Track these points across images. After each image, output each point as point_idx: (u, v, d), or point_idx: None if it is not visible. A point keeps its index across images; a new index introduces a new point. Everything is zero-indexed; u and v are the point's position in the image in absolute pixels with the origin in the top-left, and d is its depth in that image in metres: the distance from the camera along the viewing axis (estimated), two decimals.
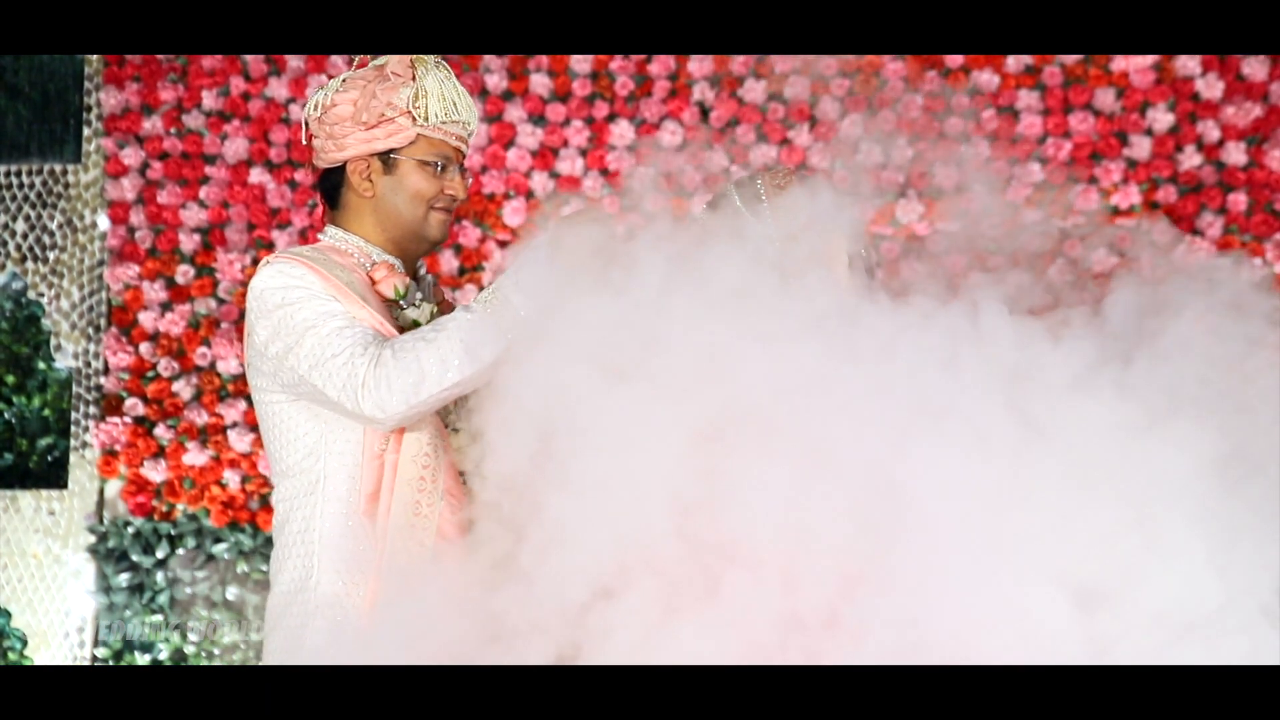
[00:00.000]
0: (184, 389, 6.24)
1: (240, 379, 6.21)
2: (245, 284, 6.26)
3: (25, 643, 6.18)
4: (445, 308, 2.59)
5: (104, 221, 6.42)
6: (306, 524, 2.42)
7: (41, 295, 6.44)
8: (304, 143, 2.59)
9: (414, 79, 2.49)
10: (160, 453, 6.23)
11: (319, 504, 2.42)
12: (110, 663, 6.11)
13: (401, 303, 2.52)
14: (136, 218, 6.35)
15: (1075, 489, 1.91)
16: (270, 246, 6.24)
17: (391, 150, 2.50)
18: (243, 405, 6.16)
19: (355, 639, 2.31)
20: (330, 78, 2.85)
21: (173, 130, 6.40)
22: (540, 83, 6.27)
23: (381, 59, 2.51)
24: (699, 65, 6.22)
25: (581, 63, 6.27)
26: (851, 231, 2.28)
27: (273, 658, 2.43)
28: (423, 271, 2.64)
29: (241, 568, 6.16)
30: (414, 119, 2.48)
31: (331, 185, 2.56)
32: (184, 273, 6.31)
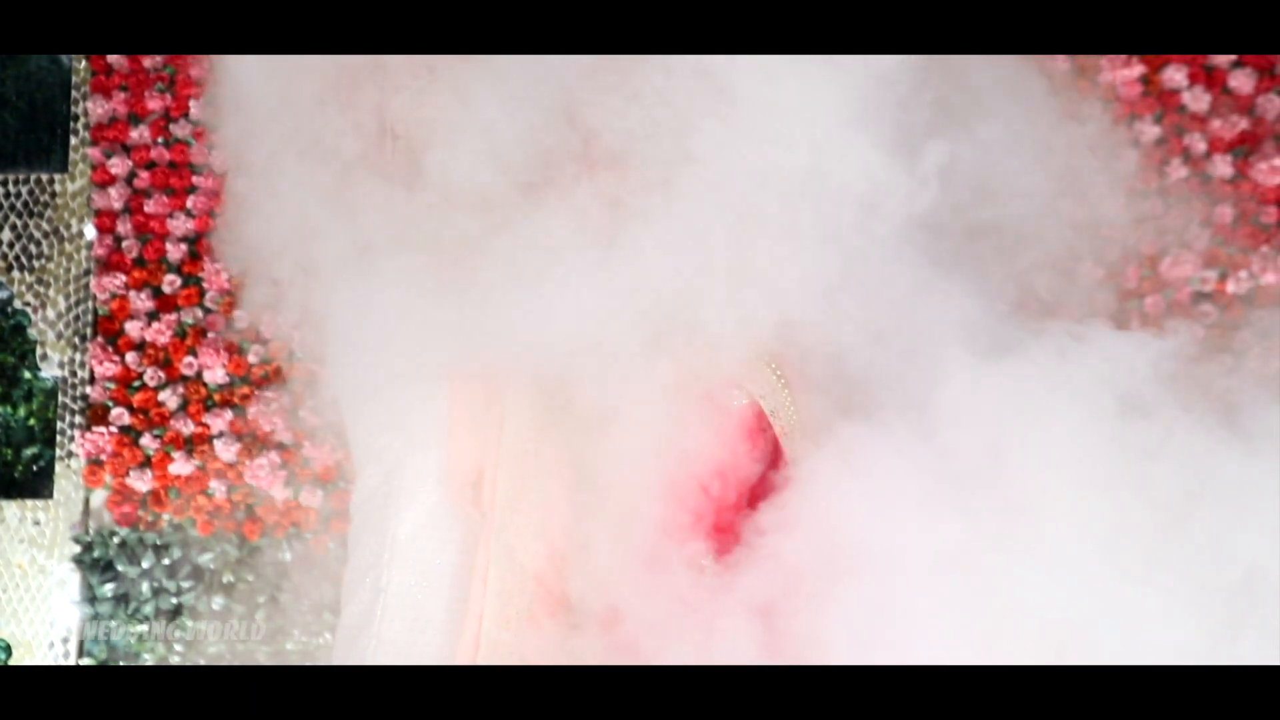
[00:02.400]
0: (170, 399, 6.22)
1: (226, 388, 6.19)
2: (231, 293, 6.27)
3: (10, 652, 6.15)
4: None
5: (90, 231, 6.40)
6: (386, 500, 2.43)
7: (28, 304, 6.42)
8: None
9: None
10: (146, 462, 6.20)
11: (399, 482, 2.44)
12: None
13: None
14: (123, 227, 6.34)
15: None
16: None
17: None
18: (229, 415, 6.14)
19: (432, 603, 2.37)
20: None
21: (160, 139, 6.39)
22: None
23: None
24: None
25: None
26: None
27: (348, 628, 2.46)
28: None
29: (227, 578, 6.13)
30: None
31: None
32: (170, 282, 6.29)
